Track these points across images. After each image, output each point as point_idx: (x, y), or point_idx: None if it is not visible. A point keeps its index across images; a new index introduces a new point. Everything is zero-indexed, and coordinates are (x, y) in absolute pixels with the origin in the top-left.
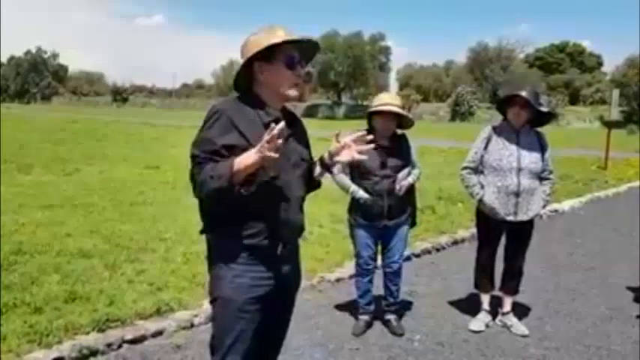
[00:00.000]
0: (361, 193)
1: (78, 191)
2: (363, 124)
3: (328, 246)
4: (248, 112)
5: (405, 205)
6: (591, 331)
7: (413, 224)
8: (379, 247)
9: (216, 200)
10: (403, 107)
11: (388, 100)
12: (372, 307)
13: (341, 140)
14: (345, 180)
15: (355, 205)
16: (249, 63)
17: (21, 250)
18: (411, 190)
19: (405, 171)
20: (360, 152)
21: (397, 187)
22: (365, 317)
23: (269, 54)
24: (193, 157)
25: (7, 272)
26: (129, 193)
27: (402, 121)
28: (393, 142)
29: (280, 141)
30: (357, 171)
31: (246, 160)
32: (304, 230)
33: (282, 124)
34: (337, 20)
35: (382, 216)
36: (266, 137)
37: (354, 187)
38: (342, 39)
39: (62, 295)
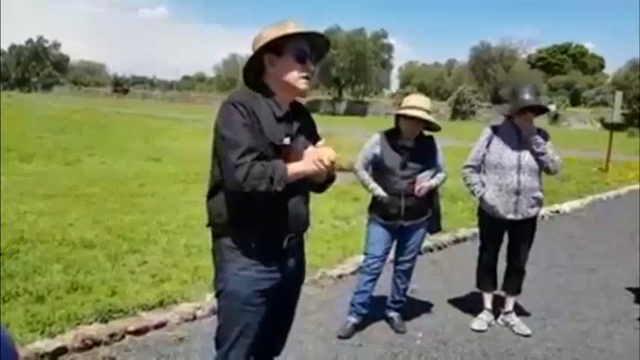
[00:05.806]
0: (379, 191)
1: (79, 181)
2: (362, 120)
3: (329, 242)
4: (262, 106)
5: (424, 208)
6: (593, 332)
7: (437, 229)
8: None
9: (258, 197)
10: (429, 112)
11: (416, 103)
12: (364, 310)
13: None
14: (366, 177)
15: (374, 203)
16: (260, 55)
17: (23, 239)
18: (433, 193)
19: (427, 173)
20: None
21: (417, 188)
22: (353, 319)
23: (279, 47)
24: (237, 145)
25: (10, 260)
26: (130, 184)
27: (430, 124)
28: (417, 143)
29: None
30: (378, 169)
31: (297, 168)
32: (310, 224)
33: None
34: (340, 17)
35: (399, 216)
36: (324, 153)
37: (373, 185)
38: (345, 35)
39: (64, 285)
